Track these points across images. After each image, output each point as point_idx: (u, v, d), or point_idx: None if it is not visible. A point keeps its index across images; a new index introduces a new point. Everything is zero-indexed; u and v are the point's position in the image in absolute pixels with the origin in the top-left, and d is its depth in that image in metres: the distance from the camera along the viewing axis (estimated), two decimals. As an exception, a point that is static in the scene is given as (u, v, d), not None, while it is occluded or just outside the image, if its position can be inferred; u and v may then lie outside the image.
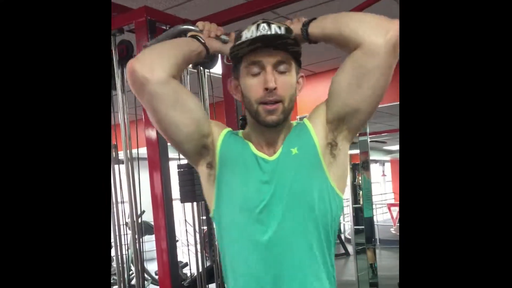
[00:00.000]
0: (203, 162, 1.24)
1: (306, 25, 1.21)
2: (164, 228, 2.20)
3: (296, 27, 1.22)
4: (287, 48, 1.14)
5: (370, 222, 4.85)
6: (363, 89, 1.14)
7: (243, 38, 1.14)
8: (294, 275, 1.17)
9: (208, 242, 2.57)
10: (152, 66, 1.10)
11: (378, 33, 1.08)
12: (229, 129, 1.28)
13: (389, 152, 13.30)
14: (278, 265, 1.16)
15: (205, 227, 2.60)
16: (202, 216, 2.53)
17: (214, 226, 1.28)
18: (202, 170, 1.26)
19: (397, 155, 13.84)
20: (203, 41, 1.23)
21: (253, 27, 1.14)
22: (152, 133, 2.17)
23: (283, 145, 1.21)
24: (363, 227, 4.68)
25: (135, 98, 1.16)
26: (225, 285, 1.28)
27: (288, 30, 1.16)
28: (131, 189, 2.43)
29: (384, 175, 16.38)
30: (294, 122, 1.26)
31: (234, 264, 1.22)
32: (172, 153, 2.35)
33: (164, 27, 2.24)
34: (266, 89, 1.12)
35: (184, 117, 1.16)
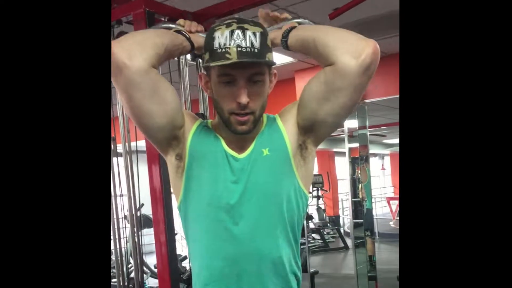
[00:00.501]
0: (172, 153, 1.24)
1: (285, 36, 1.20)
2: (163, 221, 2.19)
3: (277, 36, 1.22)
4: (262, 62, 1.14)
5: (370, 214, 4.87)
6: (331, 104, 1.15)
7: (216, 44, 1.11)
8: (258, 273, 1.18)
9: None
10: (132, 52, 1.08)
11: (352, 54, 1.08)
12: (201, 121, 1.27)
13: (389, 145, 13.30)
14: (244, 262, 1.17)
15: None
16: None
17: (180, 217, 1.28)
18: (170, 160, 1.25)
19: (396, 149, 13.85)
20: (188, 35, 1.22)
21: (227, 33, 1.10)
22: (151, 126, 2.16)
23: (254, 144, 1.21)
24: (362, 220, 4.69)
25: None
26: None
27: (263, 35, 1.13)
28: (129, 182, 2.43)
29: (383, 168, 16.40)
30: (264, 116, 1.25)
31: (198, 257, 1.23)
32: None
33: (163, 19, 2.23)
34: (238, 103, 1.12)
35: (160, 108, 1.15)
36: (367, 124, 4.63)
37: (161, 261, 2.23)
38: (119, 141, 2.48)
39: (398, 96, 0.91)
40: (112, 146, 2.63)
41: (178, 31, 1.22)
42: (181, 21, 1.26)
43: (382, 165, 16.37)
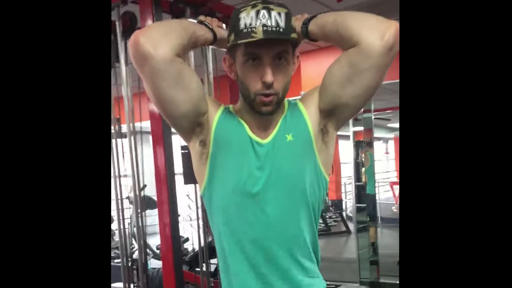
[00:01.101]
0: (195, 139, 1.25)
1: (306, 23, 1.20)
2: (167, 203, 2.20)
3: (297, 24, 1.21)
4: (287, 39, 1.14)
5: (372, 199, 4.86)
6: (354, 86, 1.15)
7: (242, 24, 1.12)
8: (284, 256, 1.21)
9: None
10: (157, 42, 1.09)
11: (375, 35, 1.09)
12: (224, 107, 1.29)
13: (393, 129, 13.26)
14: (270, 247, 1.20)
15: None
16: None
17: (204, 203, 1.30)
18: (194, 147, 1.26)
19: (400, 133, 13.79)
20: (210, 26, 1.23)
21: (253, 13, 1.12)
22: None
23: (278, 130, 1.23)
24: (365, 205, 4.69)
25: (139, 71, 1.15)
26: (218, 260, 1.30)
27: (288, 15, 1.14)
28: (133, 163, 2.43)
29: (387, 153, 16.38)
30: (285, 101, 1.26)
31: (225, 242, 1.25)
32: (175, 128, 2.34)
33: (169, -1, 2.21)
34: (264, 82, 1.13)
35: (184, 96, 1.16)
36: (372, 107, 4.60)
37: (164, 242, 2.24)
38: (123, 121, 2.47)
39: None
40: (117, 126, 2.63)
41: (201, 22, 1.24)
42: (201, 17, 1.27)
43: (386, 149, 16.34)
